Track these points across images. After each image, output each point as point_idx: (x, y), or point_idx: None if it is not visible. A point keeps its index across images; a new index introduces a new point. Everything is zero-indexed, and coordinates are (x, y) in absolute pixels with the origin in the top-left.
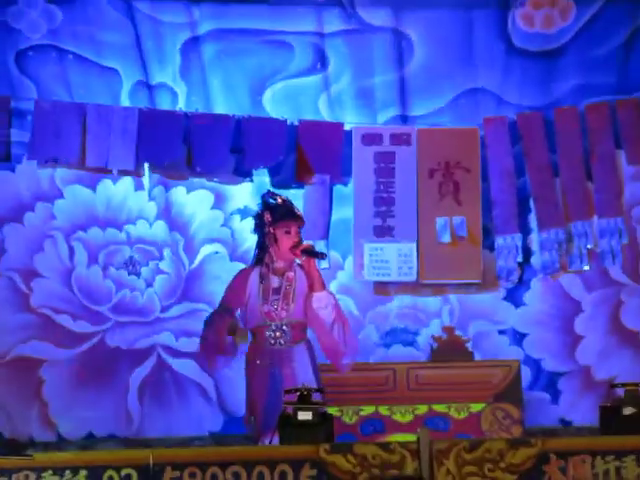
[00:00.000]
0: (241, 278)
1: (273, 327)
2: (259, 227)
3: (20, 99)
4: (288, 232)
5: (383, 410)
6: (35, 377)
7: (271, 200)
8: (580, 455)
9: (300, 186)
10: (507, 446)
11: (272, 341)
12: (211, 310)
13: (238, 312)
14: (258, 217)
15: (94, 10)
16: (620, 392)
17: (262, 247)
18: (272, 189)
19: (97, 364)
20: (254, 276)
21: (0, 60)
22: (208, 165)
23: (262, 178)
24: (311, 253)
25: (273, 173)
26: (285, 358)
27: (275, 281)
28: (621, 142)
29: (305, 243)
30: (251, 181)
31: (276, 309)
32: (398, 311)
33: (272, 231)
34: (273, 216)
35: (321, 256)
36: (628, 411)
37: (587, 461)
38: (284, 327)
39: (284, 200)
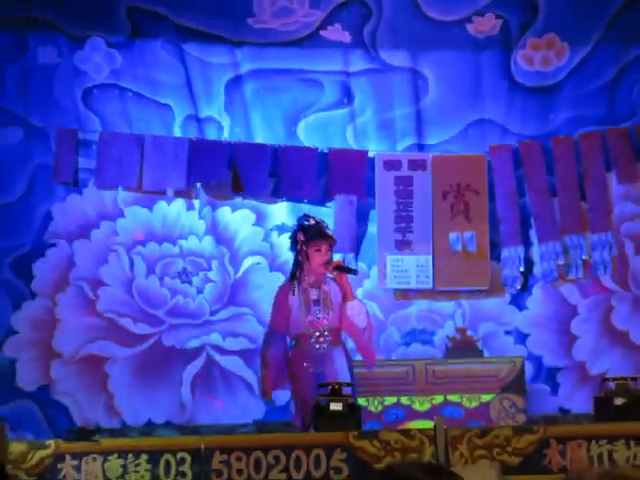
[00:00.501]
0: (282, 295)
1: (317, 334)
2: (294, 246)
3: (86, 131)
4: (319, 250)
5: (404, 400)
6: (101, 372)
7: (304, 222)
8: (577, 440)
9: (328, 202)
10: (513, 433)
11: (317, 346)
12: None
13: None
14: (293, 237)
15: (150, 54)
16: (611, 385)
17: (297, 264)
18: (306, 211)
19: (154, 361)
20: (292, 291)
21: (69, 97)
22: (250, 187)
23: (296, 200)
24: (343, 269)
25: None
26: (327, 360)
27: (314, 293)
28: (611, 165)
29: (337, 260)
30: (288, 201)
31: (318, 318)
32: (417, 314)
33: (305, 249)
34: (306, 236)
35: (353, 272)
36: (619, 401)
37: (583, 445)
38: (325, 333)
39: (316, 222)
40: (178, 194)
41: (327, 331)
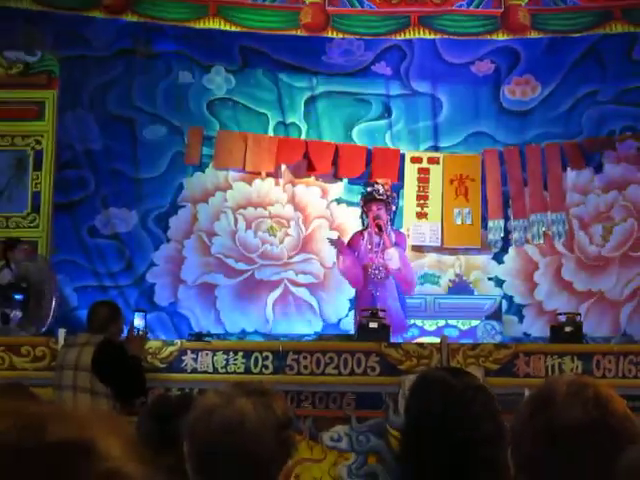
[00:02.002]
0: (356, 237)
1: (374, 266)
2: (362, 207)
3: (209, 130)
4: (370, 210)
5: (418, 322)
6: (212, 295)
7: (364, 189)
8: (537, 355)
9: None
10: (494, 347)
11: (373, 275)
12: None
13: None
14: (359, 202)
15: (254, 78)
16: (562, 318)
17: (362, 219)
18: (355, 189)
19: (248, 289)
20: (362, 235)
21: (198, 106)
22: (319, 171)
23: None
24: (380, 228)
25: (357, 178)
26: (381, 285)
27: (376, 239)
28: (565, 166)
29: (378, 221)
30: (344, 181)
31: (377, 255)
32: (428, 263)
33: (365, 209)
34: (363, 200)
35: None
36: (568, 329)
37: (542, 359)
38: (380, 267)
39: (371, 190)
40: (268, 174)
41: (381, 266)
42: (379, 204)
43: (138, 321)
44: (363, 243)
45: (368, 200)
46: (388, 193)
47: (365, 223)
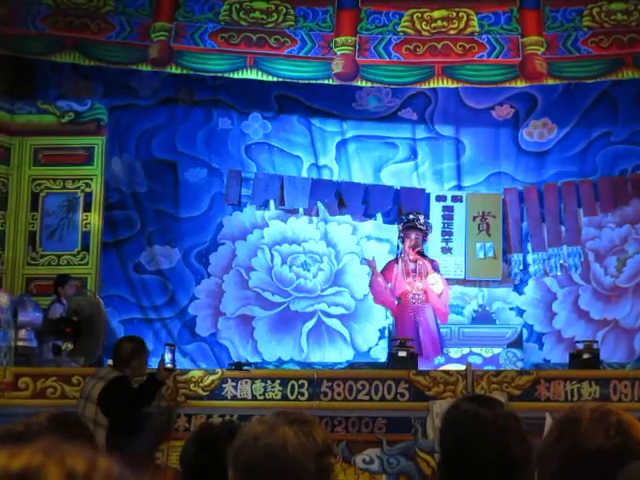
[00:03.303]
0: (391, 264)
1: (414, 292)
2: (398, 234)
3: (247, 172)
4: (409, 237)
5: (445, 350)
6: (250, 326)
7: (405, 218)
8: (557, 380)
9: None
10: (516, 374)
11: (414, 301)
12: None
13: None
14: (399, 228)
15: (289, 123)
16: (580, 345)
17: (399, 246)
18: (383, 227)
19: (284, 320)
20: (397, 262)
21: (237, 150)
22: (350, 209)
23: (377, 220)
24: (422, 255)
25: (385, 216)
26: (421, 311)
27: (411, 265)
28: (581, 204)
29: (419, 248)
30: (374, 219)
31: (415, 281)
32: (453, 294)
33: (403, 236)
34: (402, 227)
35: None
36: (585, 356)
37: (561, 384)
38: (419, 292)
39: (412, 218)
40: (304, 211)
41: (420, 291)
42: (418, 233)
43: (167, 355)
44: (398, 270)
45: (408, 227)
46: (426, 224)
47: (400, 249)
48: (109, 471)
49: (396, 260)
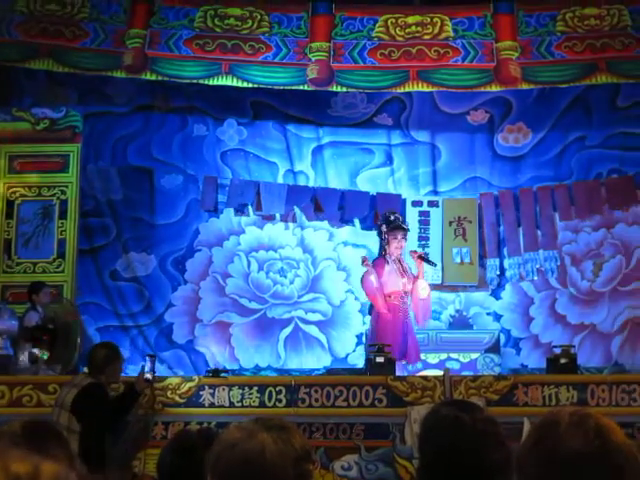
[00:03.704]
0: (380, 262)
1: (403, 294)
2: (380, 234)
3: (222, 178)
4: (395, 238)
5: (422, 356)
6: (227, 332)
7: (389, 217)
8: (535, 385)
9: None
10: (493, 379)
11: (403, 303)
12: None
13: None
14: (379, 227)
15: (264, 130)
16: (557, 350)
17: (382, 246)
18: (359, 233)
19: (261, 326)
20: (386, 261)
21: (212, 156)
22: (326, 214)
23: (354, 225)
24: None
25: (362, 221)
26: (408, 314)
27: (400, 266)
28: (556, 208)
29: (421, 252)
30: (351, 225)
31: (405, 283)
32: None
33: (388, 237)
34: (387, 227)
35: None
36: (563, 360)
37: (539, 388)
38: (407, 295)
39: (396, 217)
40: (281, 217)
41: (409, 294)
42: (403, 233)
43: (147, 365)
44: (391, 269)
45: (394, 228)
46: (407, 224)
47: (385, 250)
48: (54, 475)
49: (384, 258)
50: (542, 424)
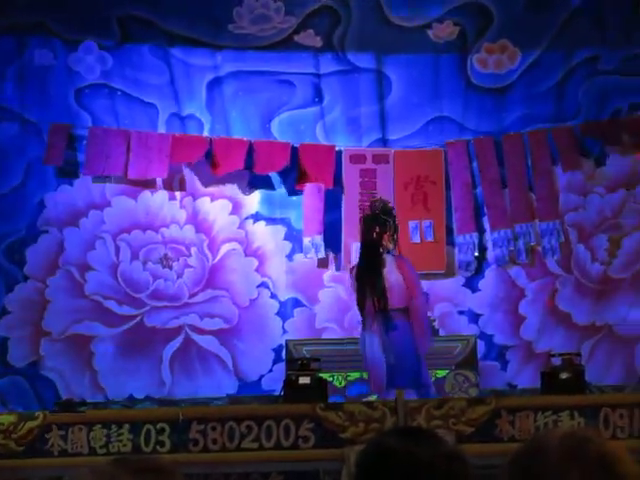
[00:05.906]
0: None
1: None
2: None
3: (78, 127)
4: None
5: (366, 375)
6: (87, 350)
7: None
8: (525, 411)
9: (299, 193)
10: (467, 404)
11: None
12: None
13: None
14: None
15: (138, 56)
16: (556, 361)
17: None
18: (278, 200)
19: (137, 340)
20: None
21: (62, 96)
22: (228, 178)
23: (269, 190)
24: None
25: (278, 183)
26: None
27: None
28: (556, 159)
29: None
30: (265, 190)
31: None
32: None
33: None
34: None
35: None
36: (564, 375)
37: (530, 416)
38: None
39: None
40: (163, 184)
41: None
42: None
43: None
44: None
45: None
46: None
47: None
48: None
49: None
50: (523, 453)
